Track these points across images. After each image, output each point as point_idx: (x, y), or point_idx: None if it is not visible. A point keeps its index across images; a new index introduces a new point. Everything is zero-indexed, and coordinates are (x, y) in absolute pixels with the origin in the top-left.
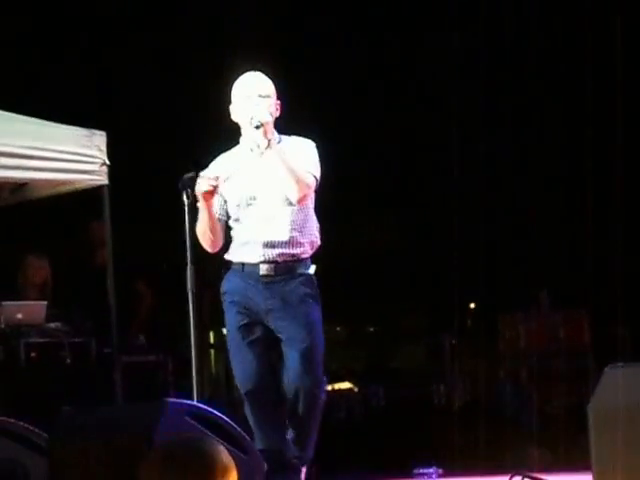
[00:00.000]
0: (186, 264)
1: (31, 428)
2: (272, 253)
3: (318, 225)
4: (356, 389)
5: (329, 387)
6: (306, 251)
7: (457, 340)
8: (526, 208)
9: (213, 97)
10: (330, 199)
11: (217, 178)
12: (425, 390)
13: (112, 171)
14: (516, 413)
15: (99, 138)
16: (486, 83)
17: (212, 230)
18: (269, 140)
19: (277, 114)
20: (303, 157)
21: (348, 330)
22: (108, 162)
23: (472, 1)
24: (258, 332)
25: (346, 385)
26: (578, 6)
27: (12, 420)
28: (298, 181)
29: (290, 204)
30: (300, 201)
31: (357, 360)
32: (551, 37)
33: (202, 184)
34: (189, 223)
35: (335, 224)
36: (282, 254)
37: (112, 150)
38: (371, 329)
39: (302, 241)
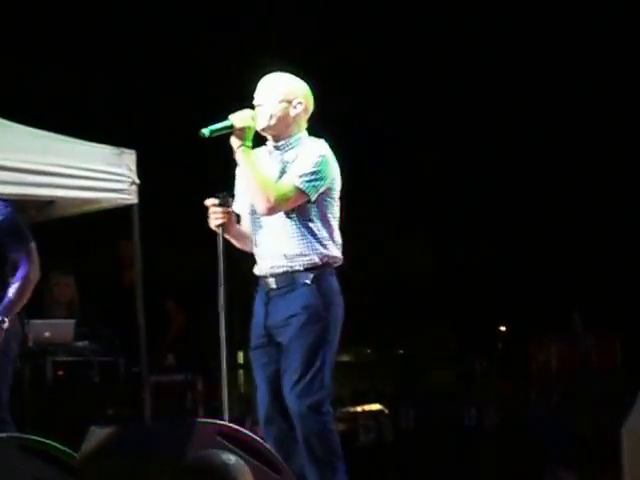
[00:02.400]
0: (217, 284)
1: (59, 447)
2: (274, 265)
3: (334, 236)
4: (386, 411)
5: (359, 408)
6: (310, 262)
7: (488, 362)
8: (558, 231)
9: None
10: (361, 220)
11: (224, 210)
12: (456, 412)
13: (142, 190)
14: (548, 435)
15: (129, 157)
16: (519, 109)
17: (241, 242)
18: (237, 146)
19: (273, 118)
20: (295, 167)
21: (378, 352)
22: (138, 181)
23: None
24: (268, 353)
25: (376, 407)
26: None
27: (40, 439)
28: (253, 196)
29: (288, 214)
30: (266, 214)
31: (387, 382)
32: None
33: (210, 220)
34: (221, 242)
35: (366, 246)
36: (283, 266)
37: (142, 169)
38: (401, 351)
39: (305, 252)
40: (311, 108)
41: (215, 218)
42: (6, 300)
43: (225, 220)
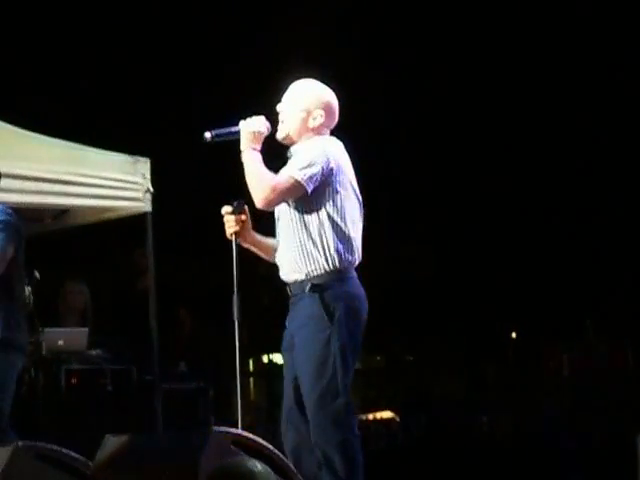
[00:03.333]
0: (228, 291)
1: (74, 455)
2: (286, 274)
3: (345, 240)
4: (397, 418)
5: (370, 416)
6: (315, 271)
7: (499, 369)
8: (570, 237)
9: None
10: (370, 228)
11: (238, 218)
12: (467, 420)
13: (156, 198)
14: (561, 443)
15: (143, 165)
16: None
17: (266, 253)
18: (245, 147)
19: (291, 128)
20: (294, 160)
21: (388, 359)
22: (152, 189)
23: None
24: (291, 357)
25: (387, 414)
26: None
27: (55, 447)
28: (252, 186)
29: (294, 219)
30: (262, 207)
31: (398, 389)
32: None
33: (227, 228)
34: (236, 251)
35: (376, 252)
36: (292, 275)
37: (156, 177)
38: (411, 358)
39: (309, 261)
40: (334, 119)
41: (229, 226)
42: None
43: (238, 228)
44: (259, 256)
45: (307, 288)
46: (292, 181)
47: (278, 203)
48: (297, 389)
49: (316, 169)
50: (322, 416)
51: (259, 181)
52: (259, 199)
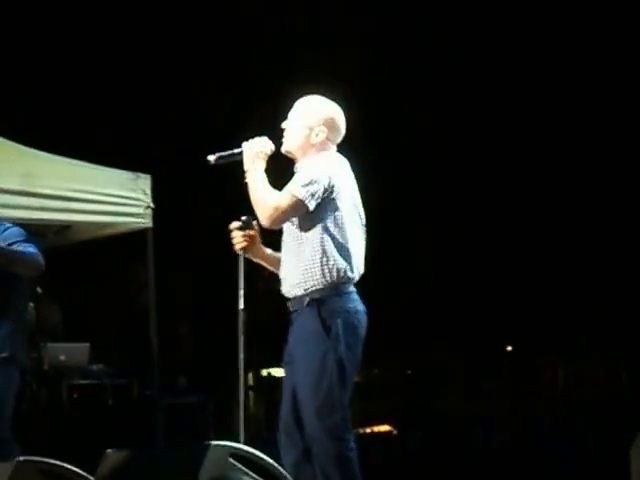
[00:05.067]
0: (231, 307)
1: (76, 470)
2: (287, 289)
3: (345, 256)
4: (395, 432)
5: (368, 430)
6: (313, 287)
7: (495, 382)
8: (566, 251)
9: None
10: (368, 242)
11: (246, 234)
12: (464, 433)
13: (157, 214)
14: (555, 456)
15: (144, 181)
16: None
17: (276, 268)
18: (248, 168)
19: (293, 143)
20: (295, 179)
21: (385, 373)
22: (153, 205)
23: None
24: (291, 371)
25: (385, 428)
26: None
27: (56, 462)
28: (256, 205)
29: (295, 235)
30: (267, 226)
31: (395, 402)
32: None
33: (235, 244)
34: (242, 267)
35: (371, 266)
36: (291, 290)
37: (157, 193)
38: (408, 371)
39: (307, 277)
40: (339, 134)
41: (237, 242)
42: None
43: (246, 244)
44: (269, 270)
45: (306, 303)
46: (294, 199)
47: (283, 221)
48: (295, 402)
49: (317, 187)
50: (319, 430)
51: (263, 201)
52: (263, 218)
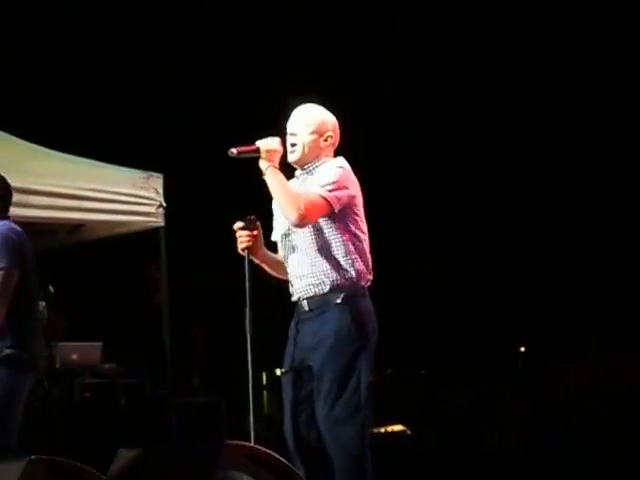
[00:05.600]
0: (242, 306)
1: (88, 469)
2: (305, 288)
3: (363, 255)
4: (409, 432)
5: (382, 429)
6: (340, 283)
7: (508, 383)
8: (578, 250)
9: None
10: (381, 241)
11: (250, 234)
12: (477, 434)
13: (169, 213)
14: (569, 458)
15: (156, 180)
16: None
17: (275, 269)
18: (265, 167)
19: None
20: (317, 180)
21: (399, 372)
22: (165, 204)
23: None
24: (300, 376)
25: (399, 427)
26: None
27: (69, 461)
28: (284, 208)
29: (317, 237)
30: (298, 225)
31: (409, 402)
32: None
33: (239, 243)
34: (248, 265)
35: (385, 265)
36: (313, 288)
37: (169, 192)
38: (422, 371)
39: (334, 273)
40: (338, 140)
41: (241, 242)
42: None
43: (250, 244)
44: (269, 272)
45: (336, 300)
46: (323, 201)
47: (312, 221)
48: (306, 407)
49: (344, 192)
50: (344, 430)
51: (292, 199)
52: (295, 216)
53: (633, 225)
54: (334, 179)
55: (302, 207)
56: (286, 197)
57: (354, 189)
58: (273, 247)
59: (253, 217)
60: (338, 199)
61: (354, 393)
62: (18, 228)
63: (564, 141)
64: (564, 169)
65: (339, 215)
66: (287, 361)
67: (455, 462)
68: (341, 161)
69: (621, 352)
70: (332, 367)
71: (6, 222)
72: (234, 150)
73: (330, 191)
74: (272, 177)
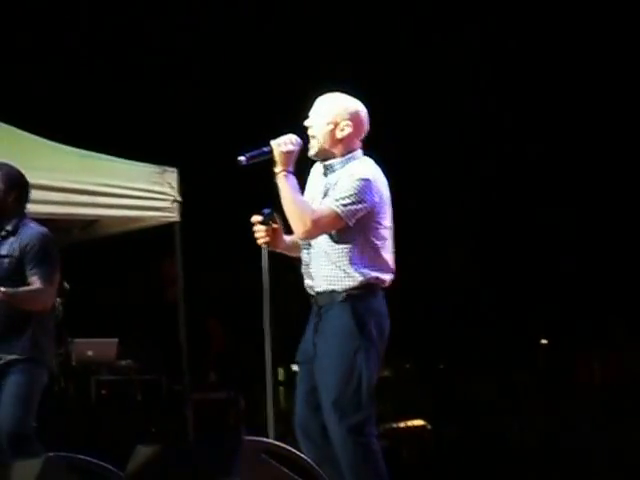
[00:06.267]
0: (258, 300)
1: (106, 466)
2: (317, 285)
3: (380, 259)
4: (429, 426)
5: (402, 424)
6: (349, 285)
7: (530, 376)
8: (601, 243)
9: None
10: (401, 235)
11: (269, 228)
12: (498, 427)
13: (184, 208)
14: (591, 450)
15: (171, 175)
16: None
17: (297, 253)
18: (278, 171)
19: (320, 141)
20: (335, 191)
21: (418, 367)
22: (180, 199)
23: None
24: (309, 369)
25: (419, 422)
26: None
27: (86, 458)
28: (292, 218)
29: (334, 239)
30: (303, 238)
31: (428, 397)
32: None
33: (257, 238)
34: (266, 261)
35: (404, 259)
36: (324, 286)
37: (184, 187)
38: (441, 366)
39: (344, 275)
40: (363, 129)
41: (260, 236)
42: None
43: (269, 238)
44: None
45: (341, 299)
46: (334, 215)
47: (319, 235)
48: (313, 400)
49: (361, 206)
50: (346, 428)
51: (300, 212)
52: (301, 231)
53: None
54: (351, 192)
55: (309, 223)
56: (294, 209)
57: (375, 200)
58: None
59: (271, 210)
60: (353, 214)
61: (356, 391)
62: (45, 229)
63: (583, 135)
64: (583, 163)
65: (358, 224)
66: (300, 354)
67: (475, 456)
68: (365, 169)
69: None
70: (333, 365)
71: (33, 225)
72: (242, 158)
73: (345, 205)
74: (282, 185)
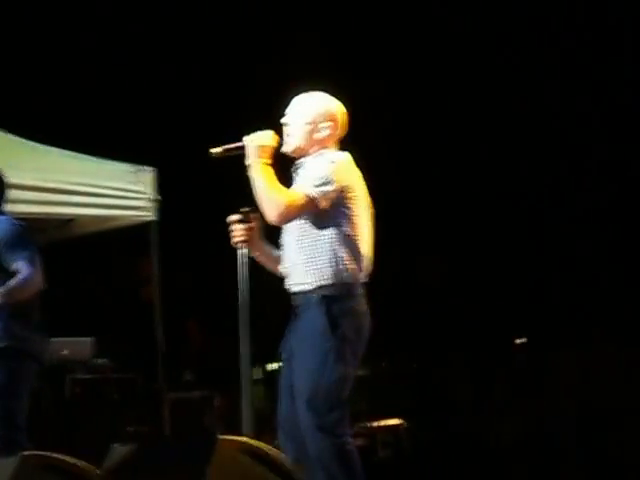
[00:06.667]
0: (235, 300)
1: (81, 464)
2: (292, 284)
3: (356, 254)
4: (405, 425)
5: (377, 423)
6: (323, 283)
7: (506, 376)
8: (576, 242)
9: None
10: (378, 236)
11: (246, 227)
12: (475, 426)
13: (161, 207)
14: (568, 451)
15: (147, 174)
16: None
17: (273, 266)
18: (250, 161)
19: (297, 140)
20: (306, 174)
21: (394, 366)
22: (155, 198)
23: None
24: (289, 367)
25: (395, 421)
26: None
27: (61, 456)
28: (263, 202)
29: (306, 232)
30: (276, 223)
31: (405, 396)
32: None
33: (232, 237)
34: (242, 260)
35: (380, 259)
36: (298, 285)
37: (161, 186)
38: (417, 365)
39: (318, 273)
40: (342, 131)
41: (235, 235)
42: None
43: (246, 238)
44: (266, 268)
45: (315, 300)
46: (306, 198)
47: (291, 220)
48: (293, 399)
49: (331, 187)
50: (317, 427)
51: (272, 196)
52: (273, 215)
53: (632, 217)
54: (322, 174)
55: (282, 205)
56: (266, 192)
57: (344, 182)
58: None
59: (249, 209)
60: (324, 194)
61: (328, 392)
62: (16, 220)
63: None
64: (562, 166)
65: (328, 212)
66: (282, 351)
67: (452, 456)
68: (337, 155)
69: (622, 345)
70: (305, 366)
71: (2, 218)
72: (214, 150)
73: (316, 186)
74: (256, 172)
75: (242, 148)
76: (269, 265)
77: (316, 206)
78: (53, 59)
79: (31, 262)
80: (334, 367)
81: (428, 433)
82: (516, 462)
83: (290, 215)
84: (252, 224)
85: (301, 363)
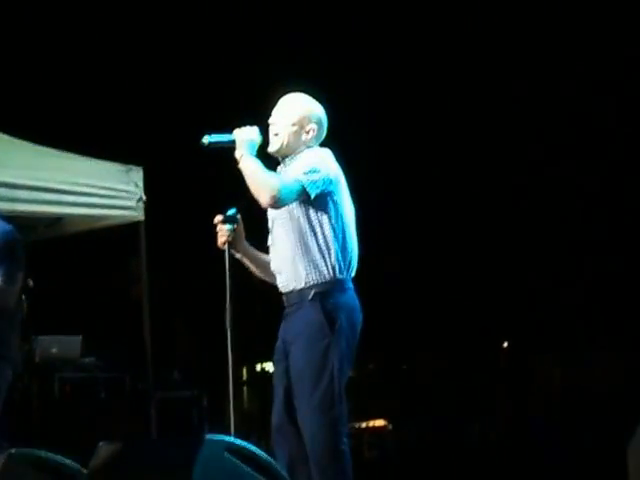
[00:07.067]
0: (223, 300)
1: (68, 462)
2: (284, 283)
3: (344, 248)
4: (390, 427)
5: (364, 424)
6: (315, 280)
7: (491, 378)
8: (562, 246)
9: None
10: (364, 238)
11: (231, 228)
12: (459, 427)
13: (149, 206)
14: (551, 452)
15: (136, 173)
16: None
17: (257, 268)
18: (240, 154)
19: (284, 141)
20: (294, 165)
21: (381, 368)
22: (145, 197)
23: None
24: (283, 367)
25: (380, 422)
26: None
27: (49, 454)
28: (256, 188)
29: (295, 229)
30: (270, 205)
31: (391, 397)
32: None
33: (218, 238)
34: (229, 260)
35: (366, 261)
36: (290, 284)
37: (150, 185)
38: (404, 367)
39: (309, 270)
40: (324, 134)
41: (221, 235)
42: None
43: (230, 238)
44: (249, 269)
45: (309, 296)
46: (297, 184)
47: (285, 204)
48: (288, 400)
49: (320, 176)
50: (317, 424)
51: (267, 180)
52: (267, 197)
53: (619, 220)
54: (311, 164)
55: (275, 189)
56: (259, 179)
57: (330, 172)
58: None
59: (234, 210)
60: (313, 183)
61: (328, 388)
62: (10, 227)
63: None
64: (547, 169)
65: (316, 205)
66: (275, 352)
67: (436, 456)
68: (321, 150)
69: (604, 348)
70: (305, 364)
71: None
72: (205, 139)
73: (306, 174)
74: (247, 162)
75: (230, 142)
76: (252, 267)
77: (307, 193)
78: (44, 60)
79: (9, 279)
80: (334, 363)
81: (413, 434)
82: (499, 462)
83: (284, 198)
84: (237, 225)
85: (299, 361)
